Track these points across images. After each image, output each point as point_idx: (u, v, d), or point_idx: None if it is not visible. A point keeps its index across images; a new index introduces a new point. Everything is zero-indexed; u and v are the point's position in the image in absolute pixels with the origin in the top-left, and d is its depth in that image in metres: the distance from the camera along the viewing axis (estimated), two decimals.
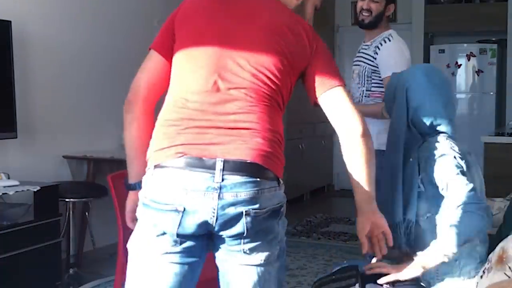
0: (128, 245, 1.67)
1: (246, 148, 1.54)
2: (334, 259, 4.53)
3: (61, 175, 4.25)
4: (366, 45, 3.06)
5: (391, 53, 2.95)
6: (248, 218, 1.53)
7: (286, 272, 1.45)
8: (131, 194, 1.80)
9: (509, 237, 1.85)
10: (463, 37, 7.00)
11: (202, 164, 1.52)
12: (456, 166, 1.89)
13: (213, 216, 1.52)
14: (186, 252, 1.59)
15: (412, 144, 2.04)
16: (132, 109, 1.72)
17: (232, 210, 1.52)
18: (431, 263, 1.85)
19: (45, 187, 3.54)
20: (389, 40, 2.98)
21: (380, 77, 2.96)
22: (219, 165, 1.51)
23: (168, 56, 1.71)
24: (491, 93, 6.71)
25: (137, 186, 1.72)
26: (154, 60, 1.73)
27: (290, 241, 5.05)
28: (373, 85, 3.00)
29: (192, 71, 1.63)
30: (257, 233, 1.56)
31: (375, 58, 2.97)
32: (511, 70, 6.50)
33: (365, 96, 3.02)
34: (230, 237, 1.56)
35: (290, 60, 1.66)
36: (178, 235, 1.55)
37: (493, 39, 6.79)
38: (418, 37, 6.90)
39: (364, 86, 3.02)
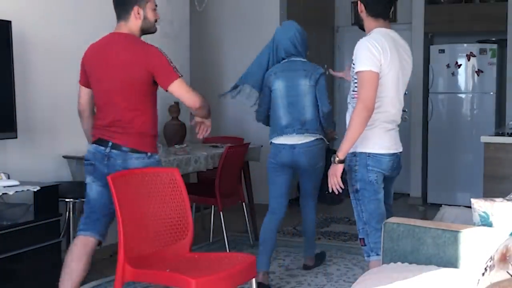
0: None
1: (122, 138, 3.04)
2: (334, 259, 4.54)
3: (61, 175, 4.24)
4: None
5: (356, 51, 2.93)
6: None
7: None
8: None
9: None
10: (463, 37, 6.99)
11: (102, 142, 3.08)
12: None
13: (106, 168, 3.03)
14: (101, 184, 3.09)
15: None
16: (82, 115, 3.28)
17: (115, 166, 3.02)
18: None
19: (45, 187, 3.54)
20: (361, 39, 2.97)
21: None
22: (109, 144, 3.05)
23: (88, 85, 3.20)
24: (491, 93, 6.70)
25: None
26: (83, 90, 3.24)
27: (290, 241, 5.06)
28: (355, 85, 2.97)
29: (99, 101, 3.15)
30: None
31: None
32: (511, 70, 6.49)
33: (352, 97, 3.01)
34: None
35: (136, 83, 3.02)
36: (95, 177, 3.11)
37: (493, 39, 6.78)
38: (418, 37, 6.89)
39: (351, 86, 3.02)
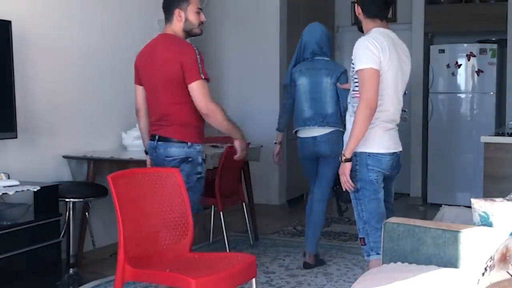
0: None
1: (166, 130, 3.28)
2: (334, 259, 4.54)
3: (61, 175, 4.25)
4: None
5: (355, 50, 2.94)
6: (166, 162, 3.26)
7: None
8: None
9: None
10: (463, 37, 6.99)
11: (152, 138, 3.36)
12: None
13: (157, 159, 3.32)
14: None
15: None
16: (138, 114, 3.52)
17: (160, 156, 3.29)
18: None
19: (45, 187, 3.54)
20: (360, 38, 2.97)
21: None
22: (156, 138, 3.31)
23: (142, 84, 3.43)
24: (491, 93, 6.70)
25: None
26: (138, 89, 3.46)
27: (290, 241, 5.06)
28: (355, 84, 2.97)
29: (149, 99, 3.40)
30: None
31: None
32: (511, 70, 6.49)
33: (352, 97, 3.01)
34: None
35: (176, 79, 3.20)
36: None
37: (493, 39, 6.78)
38: (418, 37, 6.89)
39: (351, 86, 3.02)
